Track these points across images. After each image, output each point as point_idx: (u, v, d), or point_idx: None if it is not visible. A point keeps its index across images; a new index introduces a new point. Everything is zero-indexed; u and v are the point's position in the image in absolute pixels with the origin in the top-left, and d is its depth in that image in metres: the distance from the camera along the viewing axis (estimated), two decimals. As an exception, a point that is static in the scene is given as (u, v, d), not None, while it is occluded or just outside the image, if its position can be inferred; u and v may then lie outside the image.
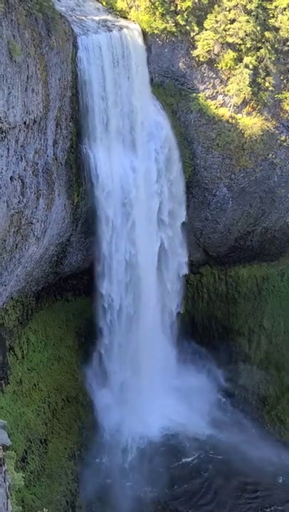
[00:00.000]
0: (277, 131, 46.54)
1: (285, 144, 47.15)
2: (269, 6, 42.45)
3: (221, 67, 44.01)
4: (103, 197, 41.76)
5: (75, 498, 41.56)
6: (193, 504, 43.66)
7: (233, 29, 42.42)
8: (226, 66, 43.77)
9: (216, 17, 42.50)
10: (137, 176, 42.86)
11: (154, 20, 42.40)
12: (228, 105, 45.33)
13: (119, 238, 43.56)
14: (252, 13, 42.14)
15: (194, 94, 45.19)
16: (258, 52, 43.30)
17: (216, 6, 42.55)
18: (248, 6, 41.93)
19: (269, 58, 43.22)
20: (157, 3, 41.88)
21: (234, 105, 45.11)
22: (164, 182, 45.04)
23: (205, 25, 42.75)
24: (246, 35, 42.56)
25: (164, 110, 44.39)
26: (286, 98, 45.24)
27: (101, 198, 41.78)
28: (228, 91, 44.66)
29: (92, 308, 46.57)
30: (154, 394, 47.22)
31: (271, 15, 42.66)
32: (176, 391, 49.33)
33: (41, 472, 40.55)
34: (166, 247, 47.00)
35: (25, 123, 32.80)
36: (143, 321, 46.60)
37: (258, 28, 42.37)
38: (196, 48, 43.53)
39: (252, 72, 43.41)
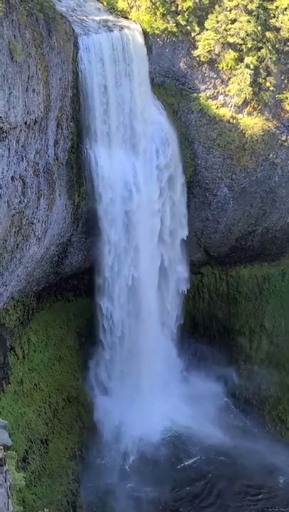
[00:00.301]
0: (278, 131, 46.53)
1: (285, 144, 47.14)
2: (270, 6, 42.46)
3: (222, 67, 44.01)
4: (104, 203, 41.83)
5: (76, 498, 41.54)
6: (195, 505, 43.63)
7: (234, 29, 42.42)
8: (227, 66, 43.77)
9: (216, 17, 42.51)
10: (137, 179, 42.96)
11: (155, 21, 42.41)
12: (229, 105, 45.33)
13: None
14: (253, 13, 42.14)
15: (195, 95, 45.19)
16: (259, 53, 43.30)
17: (216, 6, 42.55)
18: (249, 6, 41.93)
19: (270, 58, 43.22)
20: (158, 3, 41.89)
21: (235, 105, 45.12)
22: (166, 199, 45.23)
23: (206, 25, 42.75)
24: (247, 35, 42.56)
25: (164, 110, 44.39)
26: (287, 98, 45.24)
27: (102, 204, 41.87)
28: (228, 91, 44.65)
29: (93, 323, 46.79)
30: (156, 397, 47.23)
31: (272, 15, 42.67)
32: (179, 394, 49.37)
33: (42, 472, 40.53)
34: (166, 264, 47.24)
35: (26, 123, 32.81)
36: (143, 339, 46.75)
37: (259, 28, 42.37)
38: (196, 48, 43.55)
39: (253, 72, 43.41)
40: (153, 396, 47.01)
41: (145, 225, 44.23)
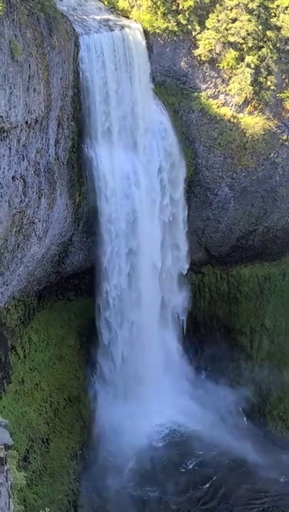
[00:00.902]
0: (279, 131, 46.50)
1: (286, 143, 47.10)
2: (271, 5, 42.43)
3: (223, 67, 43.98)
4: (105, 202, 41.90)
5: (77, 498, 41.55)
6: (195, 503, 43.62)
7: (235, 28, 42.39)
8: (228, 65, 43.74)
9: (217, 16, 42.47)
10: (138, 178, 42.94)
11: (156, 20, 42.38)
12: (230, 104, 45.31)
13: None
14: (254, 12, 42.11)
15: (196, 94, 45.16)
16: (260, 52, 43.26)
17: (217, 5, 42.52)
18: (250, 5, 41.90)
19: (271, 57, 43.19)
20: (159, 2, 41.85)
21: (236, 104, 45.09)
22: (166, 197, 45.35)
23: (207, 24, 42.73)
24: (248, 34, 42.53)
25: (165, 109, 44.37)
26: (288, 97, 45.19)
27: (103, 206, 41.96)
28: (229, 90, 44.62)
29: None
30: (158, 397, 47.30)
31: (273, 14, 42.64)
32: (183, 394, 49.40)
33: (43, 471, 40.54)
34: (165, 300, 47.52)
35: (26, 122, 32.81)
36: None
37: (260, 27, 42.34)
38: (197, 47, 43.52)
39: (254, 71, 43.37)
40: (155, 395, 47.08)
41: (146, 224, 44.23)
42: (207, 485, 44.69)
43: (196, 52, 43.62)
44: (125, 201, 42.75)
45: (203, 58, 43.79)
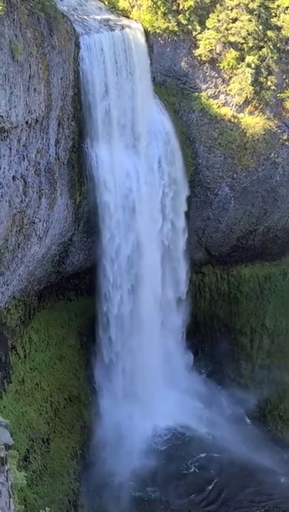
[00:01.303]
0: (279, 131, 46.49)
1: (287, 143, 47.08)
2: (271, 5, 42.42)
3: (223, 67, 43.97)
4: (105, 202, 41.97)
5: (77, 497, 41.56)
6: (196, 503, 43.60)
7: (235, 28, 42.38)
8: (228, 65, 43.74)
9: (218, 16, 42.47)
10: (138, 178, 42.97)
11: (156, 20, 42.38)
12: (230, 104, 45.30)
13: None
14: (254, 12, 42.10)
15: (196, 94, 45.15)
16: (260, 52, 43.25)
17: (218, 5, 42.51)
18: (250, 5, 41.90)
19: (271, 57, 43.18)
20: (159, 2, 41.84)
21: (236, 104, 45.09)
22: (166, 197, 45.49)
23: (207, 24, 42.72)
24: (248, 34, 42.53)
25: (166, 109, 44.35)
26: (288, 97, 45.18)
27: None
28: (230, 90, 44.62)
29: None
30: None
31: (273, 14, 42.63)
32: (183, 393, 49.44)
33: (43, 471, 40.55)
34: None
35: (27, 122, 32.81)
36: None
37: (260, 27, 42.33)
38: (198, 47, 43.51)
39: (254, 71, 43.37)
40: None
41: (146, 223, 44.24)
42: (209, 487, 44.68)
43: (197, 52, 43.61)
44: (125, 200, 42.74)
45: (203, 58, 43.79)
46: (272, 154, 47.34)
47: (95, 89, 39.02)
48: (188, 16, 42.48)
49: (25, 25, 31.13)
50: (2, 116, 29.86)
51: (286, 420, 50.08)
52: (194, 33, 43.21)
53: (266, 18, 42.52)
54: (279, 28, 42.84)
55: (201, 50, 43.41)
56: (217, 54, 43.55)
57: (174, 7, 42.36)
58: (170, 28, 42.68)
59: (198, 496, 44.15)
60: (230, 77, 44.34)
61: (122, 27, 40.74)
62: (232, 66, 43.68)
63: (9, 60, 29.39)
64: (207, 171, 47.53)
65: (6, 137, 31.14)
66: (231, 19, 42.45)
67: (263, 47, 43.18)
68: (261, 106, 45.17)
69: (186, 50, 43.95)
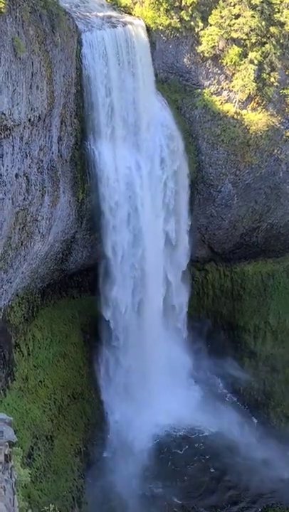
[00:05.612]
0: (282, 127, 46.35)
1: (290, 139, 46.98)
2: (274, 1, 42.30)
3: (226, 63, 43.84)
4: (108, 200, 41.99)
5: (81, 494, 41.66)
6: (200, 500, 43.66)
7: (238, 24, 42.25)
8: (231, 62, 43.60)
9: (220, 12, 42.33)
10: (141, 175, 42.92)
11: (159, 16, 42.26)
12: (233, 101, 45.17)
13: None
14: (257, 8, 41.95)
15: (199, 90, 45.03)
16: (263, 48, 43.11)
17: (220, 2, 42.39)
18: (253, 1, 41.76)
19: (274, 53, 43.04)
20: (162, -2, 41.76)
21: (239, 101, 44.96)
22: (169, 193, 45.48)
23: (210, 20, 42.59)
24: (251, 30, 42.38)
25: (168, 106, 44.26)
26: (291, 93, 45.09)
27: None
28: (233, 87, 44.49)
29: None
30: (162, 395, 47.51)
31: (276, 10, 42.50)
32: (186, 389, 49.48)
33: (47, 468, 40.64)
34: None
35: (29, 120, 32.76)
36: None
37: (263, 23, 42.18)
38: (200, 44, 43.39)
39: (257, 67, 43.24)
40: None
41: (149, 220, 44.15)
42: (213, 483, 44.73)
43: (199, 48, 43.49)
44: (128, 197, 42.71)
45: (206, 55, 43.66)
46: (276, 151, 47.21)
47: (97, 86, 38.94)
48: (190, 12, 42.35)
49: (27, 22, 31.05)
50: (5, 114, 29.82)
51: (290, 417, 50.10)
52: (197, 30, 43.08)
53: (269, 14, 42.37)
54: (282, 24, 42.70)
55: (204, 47, 43.27)
56: (220, 50, 43.42)
57: (177, 3, 42.25)
58: (172, 25, 42.57)
59: (201, 492, 44.21)
60: (233, 74, 44.21)
61: (124, 24, 40.63)
62: (235, 62, 43.55)
63: (12, 57, 29.35)
64: (210, 168, 47.43)
65: (8, 135, 31.10)
66: (234, 15, 42.31)
67: (265, 43, 43.05)
68: (264, 102, 45.03)
69: (189, 47, 43.83)
